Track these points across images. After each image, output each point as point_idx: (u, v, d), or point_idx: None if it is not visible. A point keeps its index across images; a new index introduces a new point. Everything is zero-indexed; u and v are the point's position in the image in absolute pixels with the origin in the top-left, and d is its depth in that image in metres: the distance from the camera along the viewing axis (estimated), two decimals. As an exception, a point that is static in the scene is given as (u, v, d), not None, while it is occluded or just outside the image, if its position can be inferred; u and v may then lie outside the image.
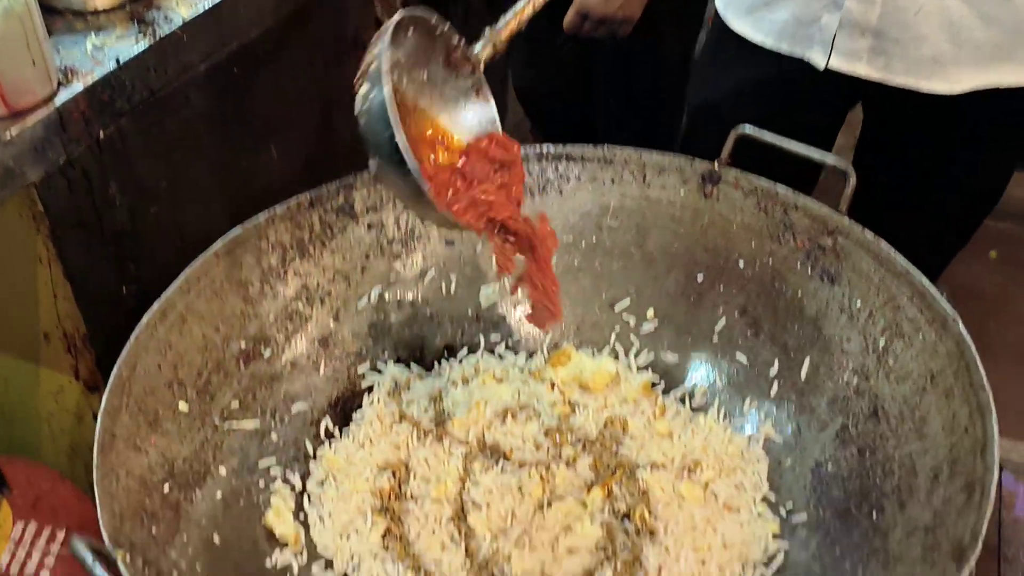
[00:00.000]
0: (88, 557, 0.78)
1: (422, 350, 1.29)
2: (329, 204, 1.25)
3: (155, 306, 1.07)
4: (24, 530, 1.34)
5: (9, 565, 1.28)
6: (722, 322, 1.25)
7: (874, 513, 0.97)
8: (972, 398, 0.95)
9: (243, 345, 1.16)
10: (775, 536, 1.06)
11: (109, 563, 0.82)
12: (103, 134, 1.04)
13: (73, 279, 1.29)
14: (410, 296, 1.30)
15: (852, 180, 1.16)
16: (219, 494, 1.04)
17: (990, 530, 0.90)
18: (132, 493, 0.93)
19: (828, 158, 1.18)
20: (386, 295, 1.28)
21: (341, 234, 1.26)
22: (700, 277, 1.27)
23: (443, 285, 1.31)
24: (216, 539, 0.99)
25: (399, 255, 1.30)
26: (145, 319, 1.05)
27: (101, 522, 0.85)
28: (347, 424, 1.22)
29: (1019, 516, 1.14)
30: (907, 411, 1.02)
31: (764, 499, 1.11)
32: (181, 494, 0.99)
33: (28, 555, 1.31)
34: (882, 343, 1.09)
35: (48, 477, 1.40)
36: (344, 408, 1.23)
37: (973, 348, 0.98)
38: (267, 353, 1.18)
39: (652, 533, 1.06)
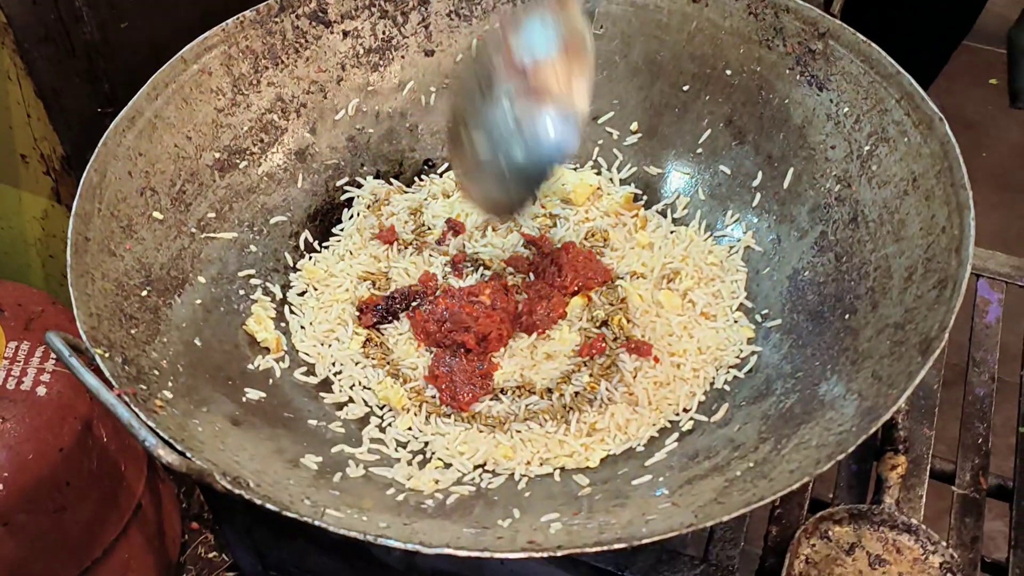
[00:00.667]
0: (64, 350, 0.78)
1: (401, 164, 1.27)
2: (301, 9, 1.20)
3: (123, 112, 1.04)
4: (17, 349, 1.37)
5: (5, 381, 1.32)
6: (707, 133, 1.23)
7: (847, 315, 0.98)
8: (952, 197, 0.94)
9: (217, 155, 1.14)
10: (749, 341, 1.07)
11: (88, 359, 0.83)
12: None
13: (45, 97, 1.26)
14: (389, 108, 1.27)
15: (846, -21, 1.11)
16: (199, 300, 1.05)
17: (962, 334, 0.91)
18: (109, 295, 0.94)
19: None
20: (364, 107, 1.25)
21: (315, 42, 1.22)
22: (686, 87, 1.24)
23: (422, 98, 1.28)
24: (197, 341, 1.00)
25: (377, 66, 1.26)
26: (113, 125, 1.03)
27: (78, 320, 0.86)
28: (327, 238, 1.21)
29: (990, 322, 1.15)
30: (887, 215, 1.02)
31: (740, 307, 1.12)
32: (160, 299, 1.00)
33: (23, 372, 1.34)
34: (867, 148, 1.07)
35: (40, 300, 1.42)
36: (323, 222, 1.22)
37: (957, 148, 0.96)
38: (242, 164, 1.16)
39: (629, 339, 1.07)
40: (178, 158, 1.10)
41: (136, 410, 0.78)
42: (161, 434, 0.76)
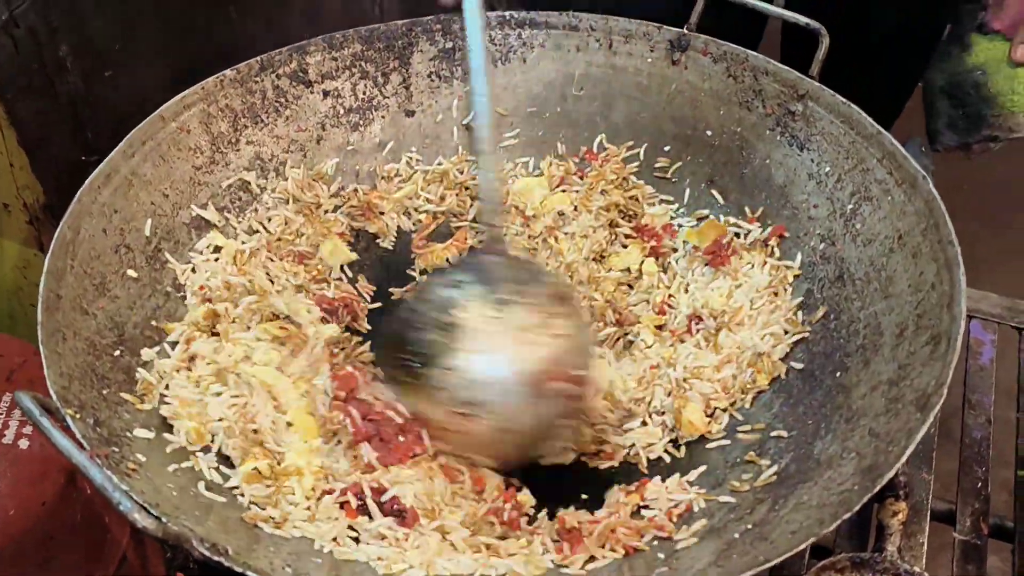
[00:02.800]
0: (35, 410, 0.75)
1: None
2: (281, 69, 1.20)
3: (98, 169, 1.02)
4: (-1, 401, 1.31)
5: (-13, 434, 1.26)
6: (687, 192, 1.23)
7: (838, 372, 0.97)
8: (940, 254, 0.94)
9: (195, 214, 1.11)
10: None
11: (59, 419, 0.79)
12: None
13: (28, 147, 1.24)
14: (368, 168, 1.26)
15: (825, 42, 1.13)
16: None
17: (957, 378, 0.90)
18: (80, 354, 0.90)
19: (800, 19, 1.15)
20: (344, 166, 1.24)
21: (295, 102, 1.21)
22: (667, 148, 1.24)
23: (403, 156, 1.27)
24: (171, 403, 0.97)
25: (357, 125, 1.25)
26: (88, 182, 1.01)
27: (48, 380, 0.82)
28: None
29: (985, 364, 1.14)
30: (873, 273, 1.02)
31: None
32: (133, 359, 0.96)
33: (5, 424, 1.28)
34: (850, 207, 1.07)
35: (22, 351, 1.37)
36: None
37: (942, 205, 0.97)
38: (221, 223, 1.14)
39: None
40: (154, 215, 1.07)
41: (109, 472, 0.74)
42: (136, 498, 0.72)
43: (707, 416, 1.00)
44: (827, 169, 1.11)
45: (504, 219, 1.15)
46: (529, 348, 0.92)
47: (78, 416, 0.80)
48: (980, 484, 1.03)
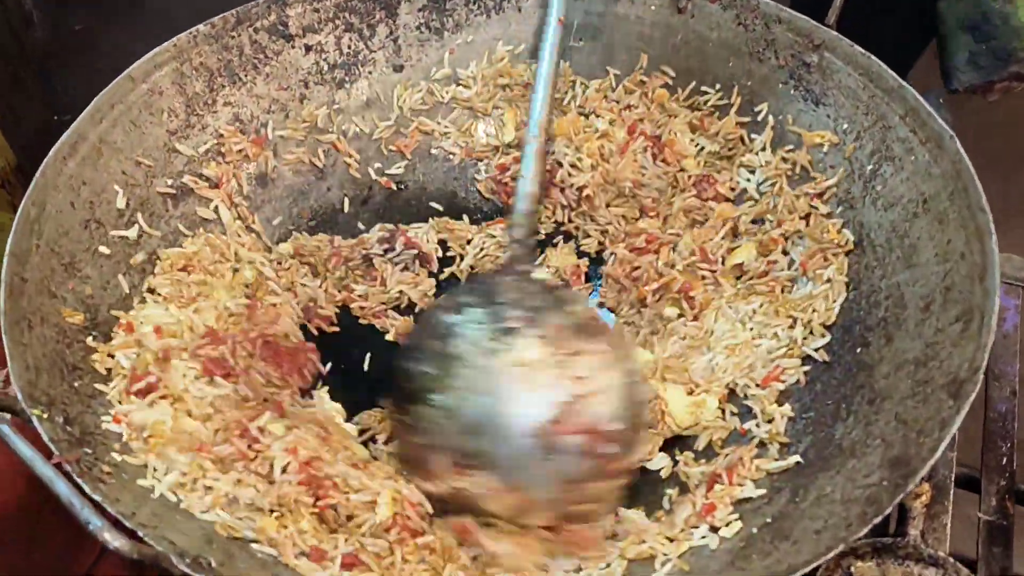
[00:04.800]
0: (-8, 415, 0.69)
1: (370, 188, 1.18)
2: (259, 23, 1.11)
3: (64, 137, 0.95)
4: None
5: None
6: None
7: (858, 348, 0.91)
8: (969, 221, 0.87)
9: (170, 182, 1.04)
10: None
11: (24, 419, 0.74)
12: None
13: (-3, 107, 1.17)
14: (356, 128, 1.18)
15: (843, -12, 1.05)
16: (151, 344, 0.95)
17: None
18: (49, 343, 0.84)
19: (818, -38, 1.07)
20: (330, 127, 1.16)
21: (276, 58, 1.13)
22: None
23: (392, 116, 1.19)
24: (150, 391, 0.91)
25: (343, 82, 1.17)
26: (53, 152, 0.93)
27: (12, 374, 0.76)
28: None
29: (1008, 331, 1.08)
30: (895, 239, 0.95)
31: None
32: (108, 345, 0.89)
33: None
34: (870, 168, 1.01)
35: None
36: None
37: (971, 167, 0.90)
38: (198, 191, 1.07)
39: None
40: (126, 186, 1.00)
41: (80, 480, 0.69)
42: (109, 510, 0.67)
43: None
44: (845, 126, 1.04)
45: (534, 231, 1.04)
46: (536, 390, 0.78)
47: (46, 416, 0.74)
48: (1005, 460, 0.98)
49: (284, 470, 0.78)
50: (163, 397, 0.84)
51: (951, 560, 0.87)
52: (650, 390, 0.87)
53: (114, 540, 0.61)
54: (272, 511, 0.78)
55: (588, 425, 0.77)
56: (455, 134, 1.19)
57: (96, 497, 0.68)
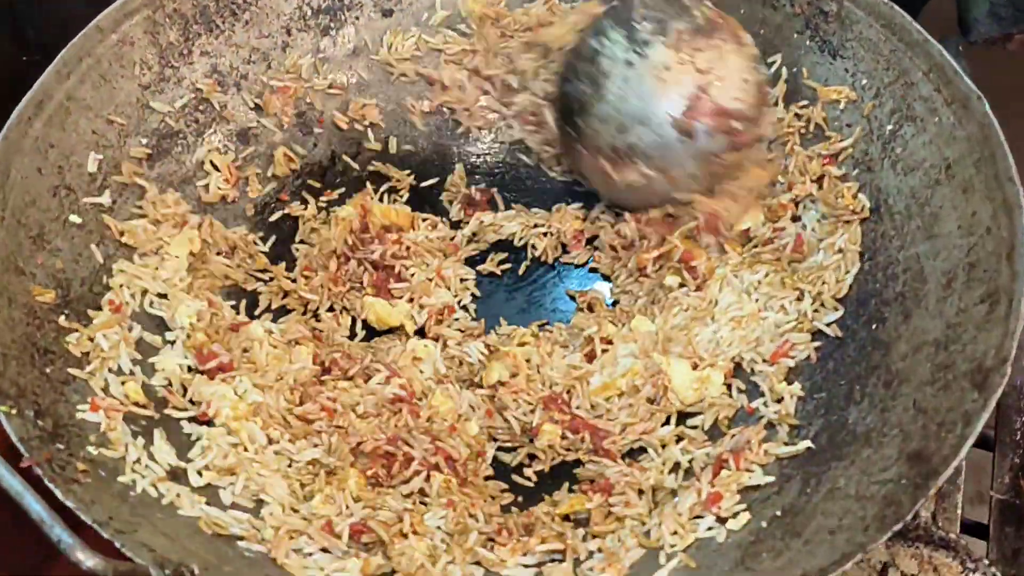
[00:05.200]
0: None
1: (359, 143, 1.11)
2: (237, -36, 1.03)
3: (27, 97, 0.88)
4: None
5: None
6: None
7: (873, 324, 0.87)
8: (997, 192, 0.82)
9: (145, 141, 0.98)
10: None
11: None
12: None
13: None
14: (343, 79, 1.11)
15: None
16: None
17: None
18: (17, 326, 0.79)
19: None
20: (314, 78, 1.09)
21: (255, 3, 1.06)
22: (679, 52, 1.10)
23: (382, 66, 1.12)
24: (128, 373, 0.86)
25: (328, 29, 1.10)
26: (16, 113, 0.87)
27: (-24, 365, 0.71)
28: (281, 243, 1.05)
29: None
30: (915, 207, 0.90)
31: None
32: (81, 324, 0.84)
33: None
34: (889, 128, 0.95)
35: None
36: (271, 216, 1.06)
37: (1000, 132, 0.84)
38: (175, 150, 1.01)
39: None
40: (97, 147, 0.94)
41: (51, 485, 0.65)
42: (84, 517, 0.63)
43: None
44: (864, 81, 0.98)
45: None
46: (669, 88, 0.92)
47: (15, 411, 0.70)
48: (1020, 436, 0.95)
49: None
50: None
51: (963, 543, 0.84)
52: (765, 74, 0.99)
53: (87, 560, 0.58)
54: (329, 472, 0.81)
55: (715, 109, 0.92)
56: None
57: (69, 503, 0.64)
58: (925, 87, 0.92)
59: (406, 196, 1.08)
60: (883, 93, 0.96)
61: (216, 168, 1.01)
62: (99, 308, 0.87)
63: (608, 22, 0.97)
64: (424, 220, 1.05)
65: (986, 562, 0.83)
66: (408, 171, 1.10)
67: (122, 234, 0.92)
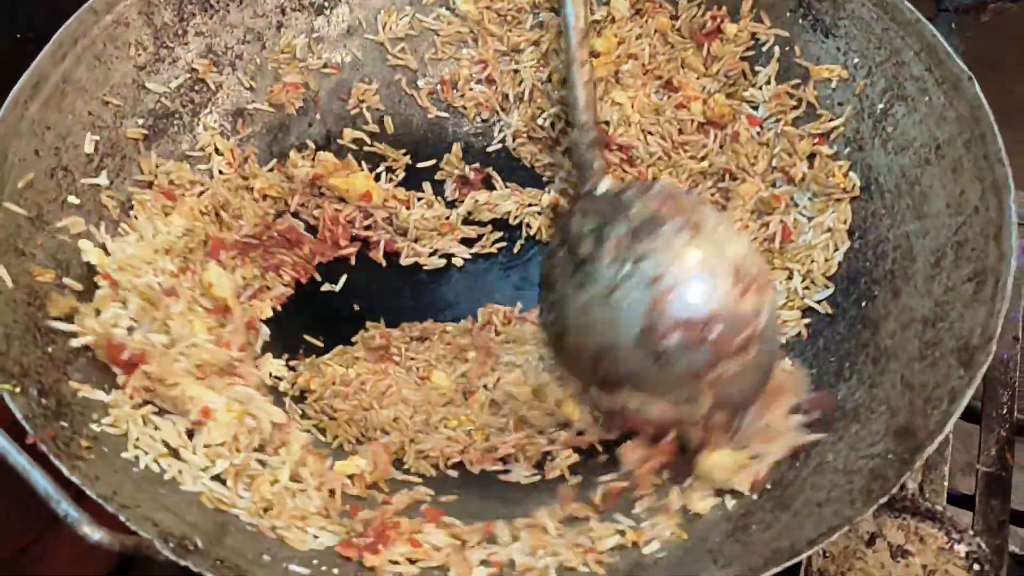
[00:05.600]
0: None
1: (354, 122, 1.12)
2: (231, -56, 1.03)
3: (23, 79, 0.88)
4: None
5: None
6: (697, 83, 1.10)
7: (863, 302, 0.88)
8: (986, 173, 0.83)
9: (141, 122, 0.98)
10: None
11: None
12: None
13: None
14: (338, 58, 1.11)
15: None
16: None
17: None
18: (19, 307, 0.80)
19: None
20: (309, 57, 1.10)
21: (250, -17, 1.06)
22: (670, 31, 1.11)
23: (376, 46, 1.12)
24: (129, 352, 0.87)
25: (322, 9, 1.10)
26: (12, 95, 0.87)
27: (-20, 346, 0.72)
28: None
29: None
30: (905, 186, 0.91)
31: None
32: (82, 304, 0.85)
33: None
34: (880, 107, 0.95)
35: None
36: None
37: (990, 113, 0.85)
38: (172, 130, 1.01)
39: None
40: (94, 128, 0.94)
41: (56, 461, 0.66)
42: (89, 492, 0.64)
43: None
44: (856, 60, 0.98)
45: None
46: (622, 310, 0.78)
47: (19, 390, 0.71)
48: (1006, 409, 0.97)
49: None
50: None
51: (948, 514, 0.86)
52: (744, 243, 0.84)
53: (93, 533, 0.59)
54: None
55: (679, 320, 0.76)
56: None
57: (74, 478, 0.65)
58: (916, 67, 0.93)
59: (402, 175, 1.10)
60: (875, 72, 0.97)
61: (219, 152, 1.02)
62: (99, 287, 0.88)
63: (555, 239, 0.88)
64: (420, 199, 1.06)
65: (971, 532, 0.86)
66: (403, 151, 1.11)
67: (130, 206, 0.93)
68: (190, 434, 0.79)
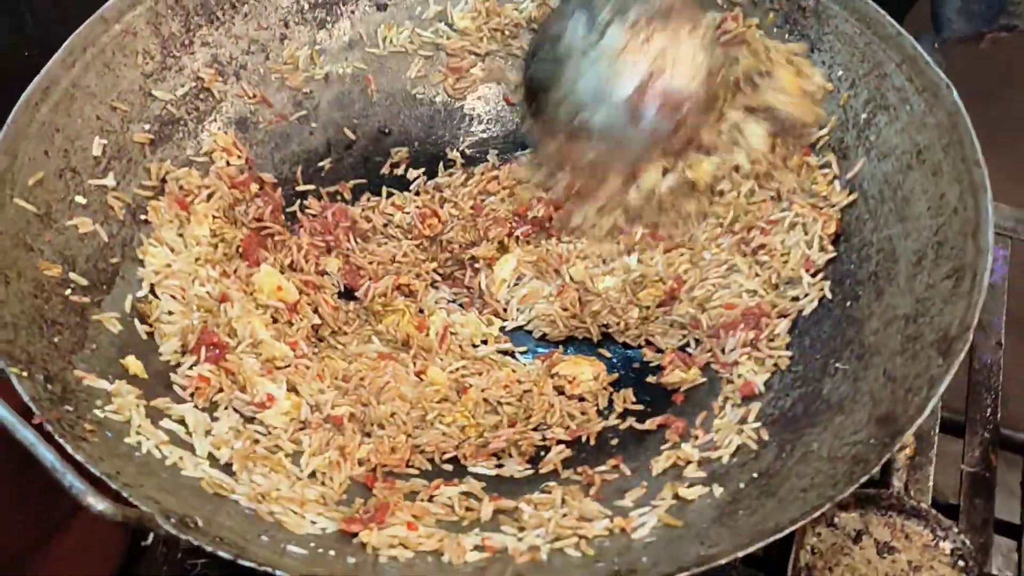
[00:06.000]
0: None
1: (355, 131, 1.15)
2: (236, -41, 1.07)
3: (34, 83, 0.91)
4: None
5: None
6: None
7: (848, 302, 0.91)
8: (964, 175, 0.86)
9: (147, 127, 1.01)
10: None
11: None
12: None
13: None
14: (339, 70, 1.15)
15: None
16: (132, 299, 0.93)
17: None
18: (26, 299, 0.82)
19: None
20: (311, 69, 1.13)
21: (254, -4, 1.09)
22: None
23: (376, 57, 1.16)
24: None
25: (324, 22, 1.14)
26: (24, 98, 0.90)
27: (-11, 332, 0.74)
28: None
29: (995, 282, 1.06)
30: (888, 191, 0.94)
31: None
32: (87, 298, 0.88)
33: None
34: (864, 116, 0.99)
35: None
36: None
37: (967, 119, 0.88)
38: (176, 136, 1.04)
39: None
40: (102, 132, 0.97)
41: (61, 440, 0.68)
42: (93, 470, 0.66)
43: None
44: (840, 73, 1.02)
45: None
46: (622, 70, 0.96)
47: (26, 374, 0.73)
48: (990, 412, 0.99)
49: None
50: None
51: (933, 512, 0.88)
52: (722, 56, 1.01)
53: (98, 504, 0.61)
54: None
55: (664, 92, 0.96)
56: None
57: (79, 457, 0.67)
58: (898, 78, 0.96)
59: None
60: (858, 84, 1.00)
61: (223, 150, 1.05)
62: (103, 283, 0.90)
63: (572, 4, 1.01)
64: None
65: (955, 529, 0.87)
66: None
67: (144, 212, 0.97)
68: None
